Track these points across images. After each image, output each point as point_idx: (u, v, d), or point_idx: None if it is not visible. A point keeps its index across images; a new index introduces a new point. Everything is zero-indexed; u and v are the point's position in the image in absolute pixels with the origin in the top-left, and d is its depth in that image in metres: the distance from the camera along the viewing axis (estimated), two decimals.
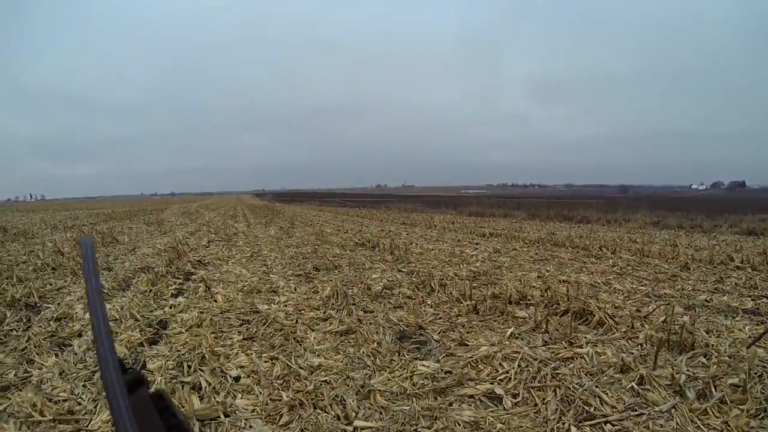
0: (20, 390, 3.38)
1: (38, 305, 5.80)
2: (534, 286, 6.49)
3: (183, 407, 3.02)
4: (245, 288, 6.78)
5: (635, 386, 3.32)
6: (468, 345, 4.28)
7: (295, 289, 6.77)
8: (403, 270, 8.23)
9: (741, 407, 2.99)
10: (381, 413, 3.08)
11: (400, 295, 6.31)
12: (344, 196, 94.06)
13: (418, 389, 3.38)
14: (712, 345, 4.07)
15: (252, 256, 9.82)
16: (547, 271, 8.01)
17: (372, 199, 75.49)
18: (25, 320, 5.16)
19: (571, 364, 3.76)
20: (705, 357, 3.84)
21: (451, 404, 3.19)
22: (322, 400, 3.21)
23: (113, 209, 39.66)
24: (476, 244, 12.40)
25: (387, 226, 18.70)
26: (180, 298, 6.12)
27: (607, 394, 3.25)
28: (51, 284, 6.94)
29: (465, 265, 8.55)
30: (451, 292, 6.19)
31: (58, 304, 5.84)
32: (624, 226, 20.80)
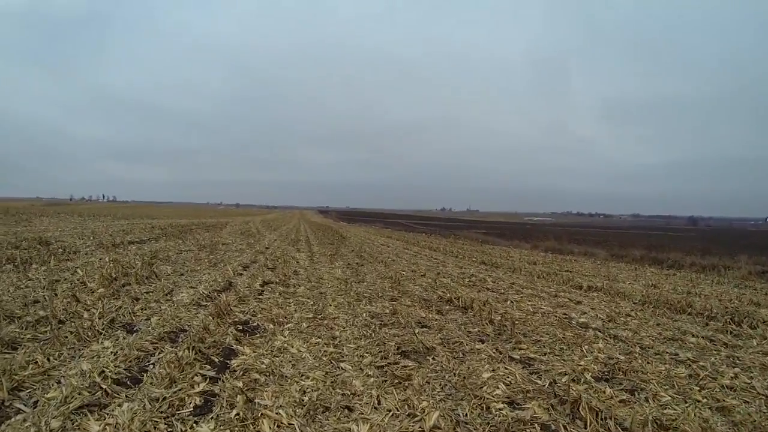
0: None
1: None
2: None
3: None
4: (307, 399, 4.25)
5: None
6: None
7: (379, 402, 4.26)
8: (516, 357, 5.90)
9: None
10: None
11: (538, 426, 3.84)
12: (409, 219, 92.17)
13: None
14: None
15: (315, 319, 7.34)
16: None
17: (438, 224, 73.28)
18: None
19: None
20: None
21: None
22: None
23: (173, 220, 38.50)
24: (578, 302, 10.07)
25: (466, 267, 16.19)
26: (203, 428, 3.62)
27: None
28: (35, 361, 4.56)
29: (595, 352, 6.22)
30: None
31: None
32: (724, 274, 17.67)
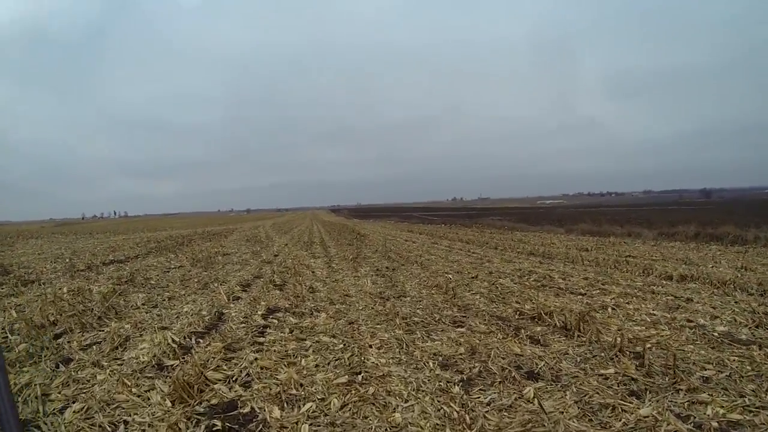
0: None
1: None
2: None
3: None
4: None
5: None
6: None
7: None
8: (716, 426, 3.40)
9: None
10: None
11: None
12: (422, 211, 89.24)
13: None
14: None
15: (352, 385, 4.28)
16: None
17: (452, 213, 70.25)
18: None
19: None
20: None
21: None
22: None
23: (176, 231, 35.59)
24: (687, 299, 7.66)
25: (516, 261, 13.31)
26: None
27: None
28: None
29: None
30: None
31: None
32: None
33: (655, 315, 6.57)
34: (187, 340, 5.57)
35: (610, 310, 6.95)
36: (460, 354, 5.14)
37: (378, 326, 6.27)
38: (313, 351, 5.21)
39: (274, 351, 5.15)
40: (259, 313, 7.01)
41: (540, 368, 4.68)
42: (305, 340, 5.61)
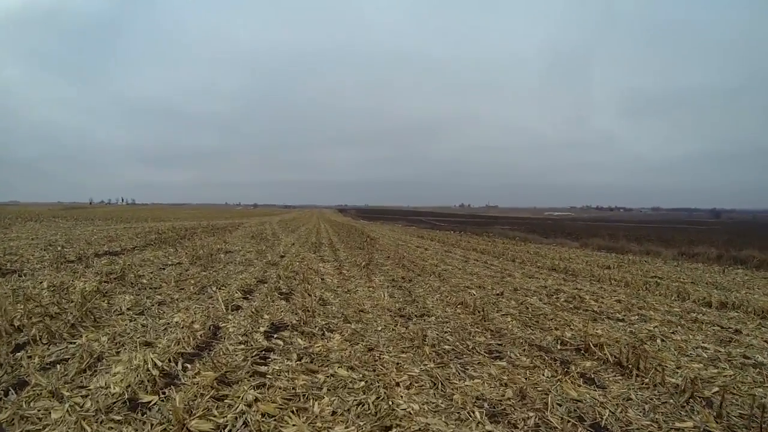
0: None
1: None
2: None
3: None
4: None
5: None
6: None
7: None
8: None
9: None
10: None
11: None
12: (430, 216, 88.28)
13: None
14: None
15: None
16: None
17: (460, 220, 69.48)
18: None
19: None
20: None
21: None
22: None
23: (180, 222, 34.54)
24: (736, 332, 7.00)
25: (538, 277, 12.42)
26: None
27: None
28: None
29: None
30: None
31: None
32: None
33: (708, 349, 5.92)
34: (172, 364, 4.53)
35: (659, 341, 6.23)
36: (508, 399, 4.16)
37: (403, 355, 5.24)
38: (328, 389, 4.15)
39: (279, 388, 4.09)
40: (262, 329, 5.97)
41: (606, 420, 3.80)
42: (317, 372, 4.55)
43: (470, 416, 3.78)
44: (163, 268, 11.03)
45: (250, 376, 4.35)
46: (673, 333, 6.69)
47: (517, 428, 3.63)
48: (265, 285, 9.36)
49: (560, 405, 4.06)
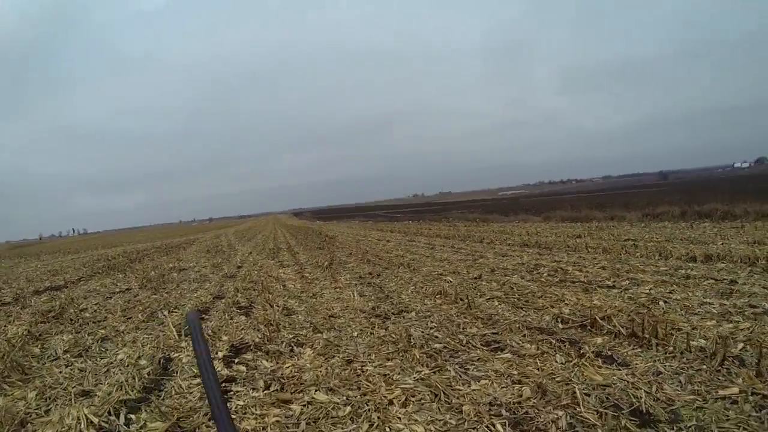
0: None
1: None
2: None
3: None
4: None
5: None
6: None
7: None
8: None
9: None
10: None
11: None
12: (386, 209, 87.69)
13: None
14: None
15: None
16: None
17: (417, 209, 69.26)
18: None
19: None
20: None
21: None
22: None
23: (132, 246, 32.88)
24: (732, 282, 6.72)
25: (512, 255, 11.77)
26: None
27: None
28: None
29: None
30: None
31: None
32: None
33: (712, 304, 5.60)
34: (113, 418, 3.64)
35: (662, 304, 5.83)
36: (528, 399, 3.51)
37: (389, 363, 4.49)
38: (308, 424, 3.35)
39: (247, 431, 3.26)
40: (221, 354, 5.13)
41: (645, 403, 3.25)
42: (290, 402, 3.76)
43: (490, 430, 3.05)
44: (110, 297, 10.04)
45: (209, 420, 3.51)
46: (670, 293, 6.30)
47: None
48: (222, 301, 8.50)
49: (588, 395, 3.46)
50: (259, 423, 3.38)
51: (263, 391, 4.01)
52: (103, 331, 6.90)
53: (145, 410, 3.79)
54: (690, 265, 8.21)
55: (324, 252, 16.02)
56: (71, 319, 7.87)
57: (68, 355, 5.74)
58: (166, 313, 7.64)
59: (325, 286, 9.30)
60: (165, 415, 3.59)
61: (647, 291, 6.54)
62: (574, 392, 3.45)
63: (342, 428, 3.24)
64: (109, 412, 3.77)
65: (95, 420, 3.59)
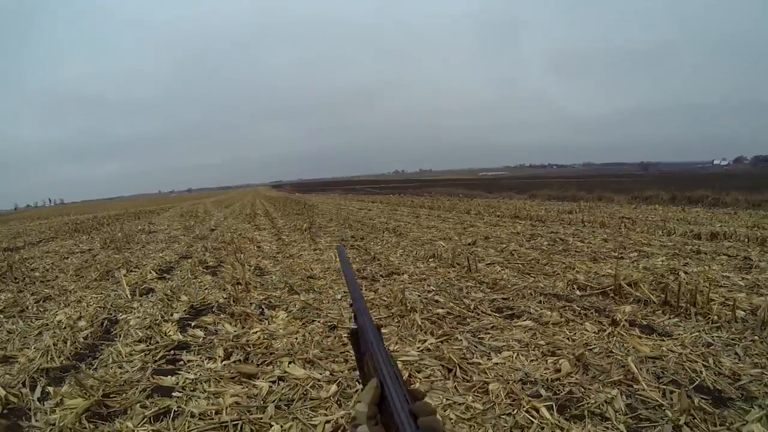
0: None
1: None
2: None
3: None
4: None
5: None
6: None
7: None
8: None
9: None
10: None
11: None
12: (365, 184, 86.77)
13: None
14: None
15: None
16: None
17: (396, 185, 68.55)
18: None
19: None
20: None
21: None
22: None
23: (102, 213, 31.61)
24: (745, 258, 6.21)
25: (503, 226, 10.91)
26: None
27: None
28: None
29: None
30: None
31: None
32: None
33: (733, 278, 5.15)
34: (25, 391, 2.76)
35: (683, 274, 5.30)
36: (568, 375, 2.75)
37: (385, 331, 3.60)
38: (277, 407, 2.49)
39: (192, 417, 2.40)
40: (176, 317, 4.24)
41: (708, 378, 2.69)
42: (256, 377, 2.88)
43: (530, 416, 2.23)
44: (67, 257, 9.08)
45: (147, 397, 2.65)
46: (685, 265, 5.83)
47: (608, 420, 2.15)
48: (189, 259, 7.60)
49: (640, 369, 2.76)
50: (212, 404, 2.52)
51: (222, 361, 3.15)
52: (48, 290, 6.00)
53: (69, 382, 2.91)
54: (696, 242, 7.66)
55: (303, 217, 15.13)
56: (17, 278, 6.93)
57: (1, 316, 4.82)
58: (123, 272, 6.70)
59: (303, 248, 8.48)
60: (90, 388, 2.71)
61: (660, 263, 6.03)
62: (629, 366, 2.66)
63: (325, 415, 2.38)
64: (24, 383, 2.90)
65: (2, 393, 2.71)
